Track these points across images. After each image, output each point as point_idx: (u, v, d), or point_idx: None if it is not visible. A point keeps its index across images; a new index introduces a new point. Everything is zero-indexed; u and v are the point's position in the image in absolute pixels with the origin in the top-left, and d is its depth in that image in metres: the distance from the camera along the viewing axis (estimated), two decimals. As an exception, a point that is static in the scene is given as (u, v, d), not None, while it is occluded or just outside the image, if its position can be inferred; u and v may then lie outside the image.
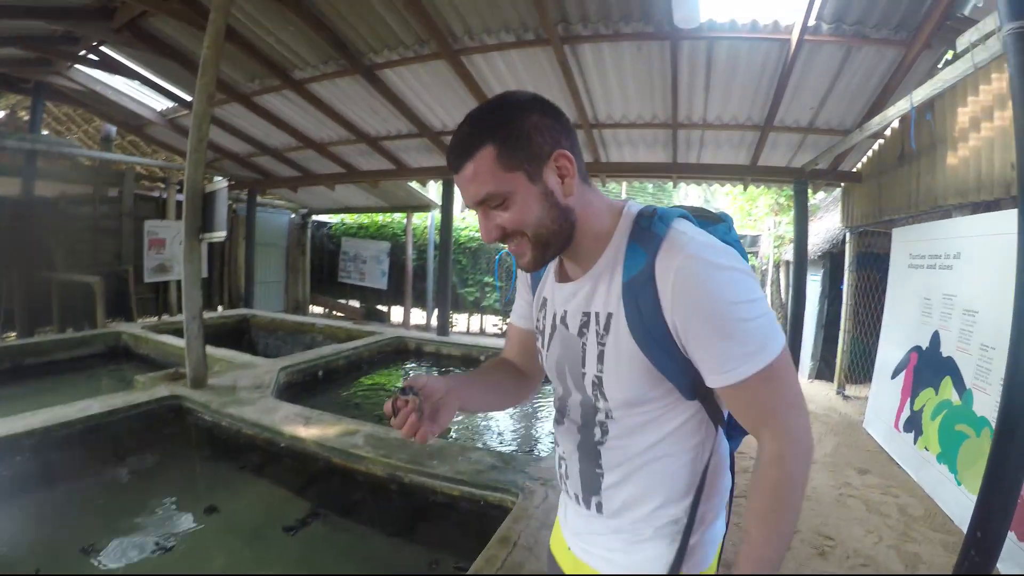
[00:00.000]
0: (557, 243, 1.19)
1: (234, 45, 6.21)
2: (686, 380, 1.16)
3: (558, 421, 1.40)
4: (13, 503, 3.69)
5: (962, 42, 3.46)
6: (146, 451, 4.58)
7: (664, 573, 1.23)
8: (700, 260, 1.07)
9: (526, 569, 2.67)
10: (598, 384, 1.22)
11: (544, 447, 5.56)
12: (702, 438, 1.25)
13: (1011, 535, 3.35)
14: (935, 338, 4.79)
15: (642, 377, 1.17)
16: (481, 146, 1.09)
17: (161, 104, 9.13)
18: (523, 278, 1.56)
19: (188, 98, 8.18)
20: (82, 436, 4.26)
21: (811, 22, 4.75)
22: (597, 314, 1.21)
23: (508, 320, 1.56)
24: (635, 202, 1.28)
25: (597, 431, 1.27)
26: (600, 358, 1.20)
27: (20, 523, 3.55)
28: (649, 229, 1.16)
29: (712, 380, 1.11)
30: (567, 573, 1.42)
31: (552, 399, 1.48)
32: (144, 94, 8.90)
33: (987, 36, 3.22)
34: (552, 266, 1.39)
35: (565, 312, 1.30)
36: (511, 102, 1.15)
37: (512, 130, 1.10)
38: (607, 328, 1.19)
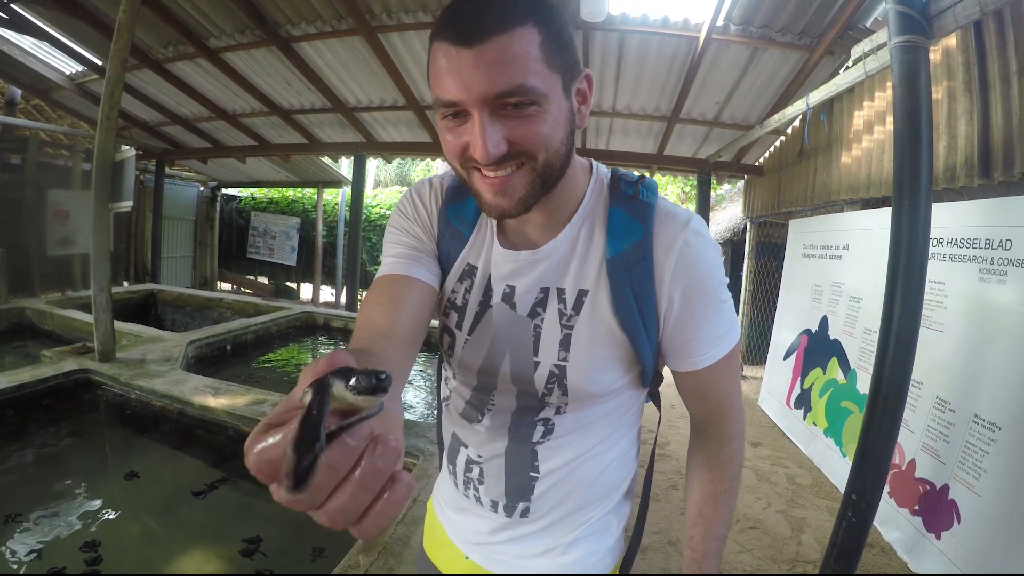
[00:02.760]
0: (551, 182, 0.92)
1: (150, 9, 5.99)
2: (651, 365, 1.04)
3: (470, 420, 1.15)
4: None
5: (856, 51, 3.74)
6: (57, 425, 4.51)
7: (597, 572, 1.16)
8: (704, 237, 0.97)
9: (425, 523, 2.79)
10: (557, 375, 1.02)
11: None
12: (639, 427, 1.20)
13: (892, 502, 3.72)
14: (824, 322, 5.18)
15: (620, 364, 1.03)
16: (524, 22, 0.80)
17: (70, 68, 8.68)
18: (414, 218, 1.15)
19: (99, 62, 7.85)
20: None
21: (719, 22, 5.01)
22: (562, 291, 1.02)
23: (384, 272, 1.06)
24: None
25: (539, 430, 1.08)
26: (565, 344, 1.01)
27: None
28: (637, 197, 1.00)
29: (685, 364, 1.03)
30: None
31: (446, 390, 1.25)
32: (53, 56, 8.45)
33: (879, 47, 3.50)
34: (487, 225, 1.10)
35: (512, 288, 1.05)
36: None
37: (558, 25, 0.85)
38: (577, 308, 1.01)
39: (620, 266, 0.97)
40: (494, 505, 1.15)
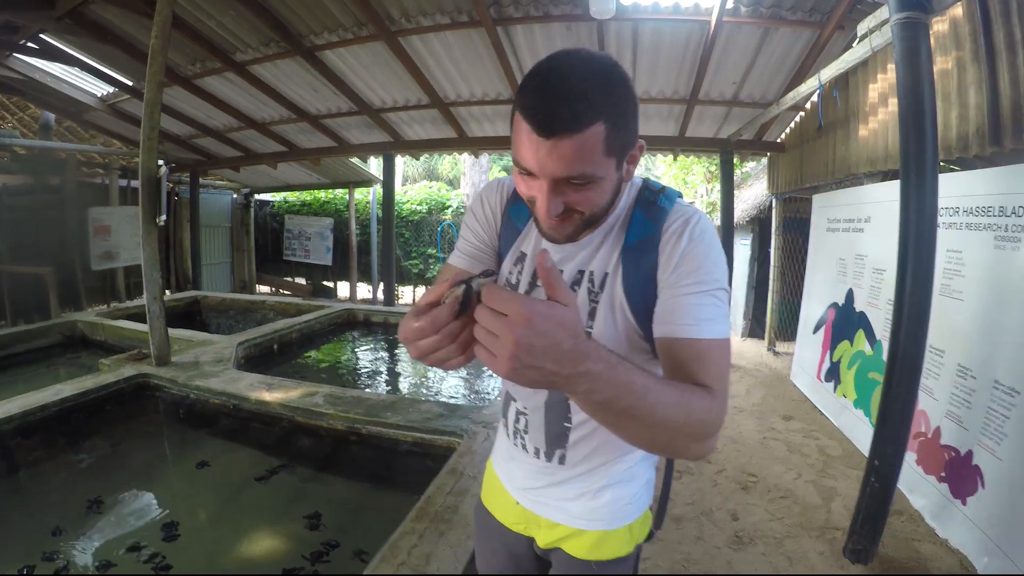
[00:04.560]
0: (594, 225, 1.18)
1: (177, 30, 6.18)
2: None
3: None
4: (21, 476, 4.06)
5: (862, 27, 3.79)
6: (124, 425, 4.79)
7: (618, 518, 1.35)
8: (702, 234, 1.13)
9: (470, 493, 3.01)
10: None
11: (488, 397, 6.04)
12: None
13: (919, 469, 3.80)
14: (849, 295, 5.24)
15: (631, 334, 1.21)
16: (594, 121, 0.94)
17: (101, 90, 8.94)
18: (482, 220, 1.45)
19: (129, 83, 8.13)
20: (60, 417, 4.45)
21: (729, 4, 5.07)
22: (592, 272, 1.24)
23: (451, 260, 1.46)
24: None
25: None
26: (591, 315, 1.23)
27: (38, 488, 3.93)
28: (655, 203, 1.21)
29: (663, 328, 1.10)
30: (512, 525, 1.49)
31: None
32: (84, 80, 8.71)
33: (883, 23, 3.54)
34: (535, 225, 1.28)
35: (560, 271, 1.26)
36: (622, 75, 1.02)
37: (623, 112, 1.00)
38: (602, 286, 1.22)
39: (631, 255, 1.19)
40: (537, 452, 1.38)
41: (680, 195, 1.27)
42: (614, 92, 0.99)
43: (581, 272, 1.26)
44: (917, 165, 2.81)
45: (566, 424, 1.32)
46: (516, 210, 1.39)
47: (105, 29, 6.61)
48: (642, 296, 1.18)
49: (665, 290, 1.13)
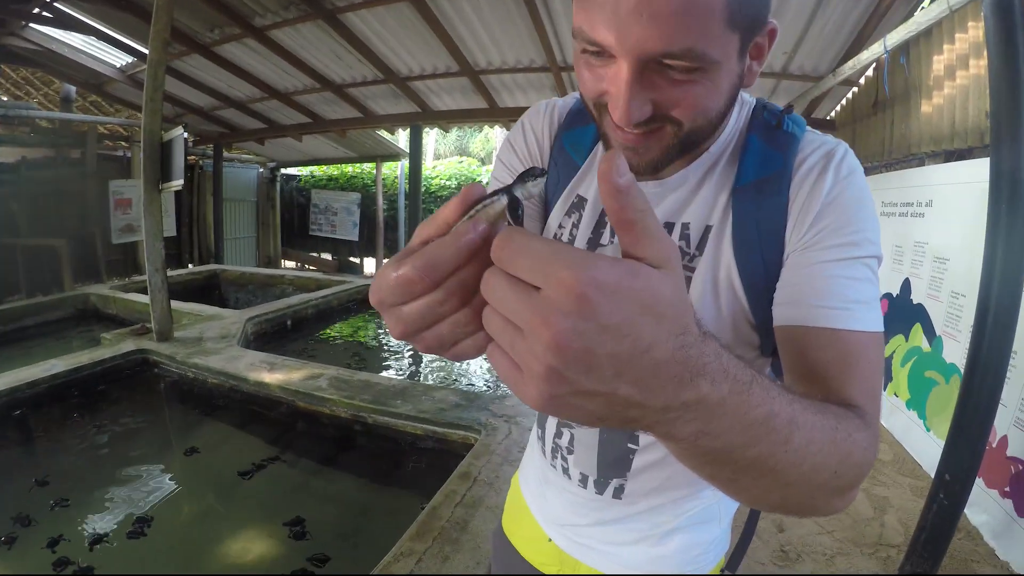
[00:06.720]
0: (692, 148, 0.78)
1: (188, -10, 6.03)
2: (771, 325, 0.81)
3: None
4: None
5: (938, -17, 3.41)
6: (115, 405, 4.63)
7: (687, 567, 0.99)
8: (851, 172, 0.78)
9: (484, 504, 2.70)
10: None
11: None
12: None
13: (980, 482, 3.41)
14: (906, 285, 4.82)
15: (734, 316, 0.84)
16: None
17: (120, 60, 8.89)
18: (523, 151, 1.03)
19: (145, 51, 7.94)
20: (50, 394, 4.31)
21: (784, -37, 4.68)
22: (686, 225, 0.85)
23: None
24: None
25: None
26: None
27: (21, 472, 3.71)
28: (780, 127, 0.83)
29: (831, 316, 0.71)
30: (540, 566, 1.11)
31: None
32: (103, 50, 8.67)
33: (962, -22, 3.18)
34: (603, 150, 0.90)
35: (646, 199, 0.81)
36: None
37: None
38: (701, 247, 0.84)
39: (748, 197, 0.81)
40: (583, 480, 1.00)
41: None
42: None
43: (669, 225, 0.86)
44: (1011, 131, 2.41)
45: (630, 445, 0.94)
46: (572, 137, 0.98)
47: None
48: (761, 262, 0.79)
49: (797, 254, 0.77)
